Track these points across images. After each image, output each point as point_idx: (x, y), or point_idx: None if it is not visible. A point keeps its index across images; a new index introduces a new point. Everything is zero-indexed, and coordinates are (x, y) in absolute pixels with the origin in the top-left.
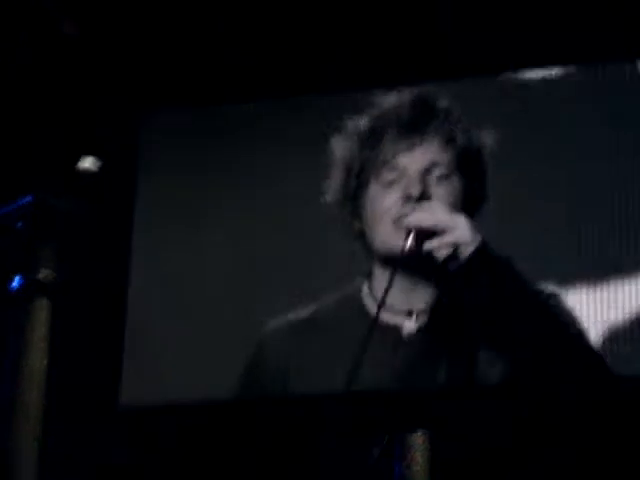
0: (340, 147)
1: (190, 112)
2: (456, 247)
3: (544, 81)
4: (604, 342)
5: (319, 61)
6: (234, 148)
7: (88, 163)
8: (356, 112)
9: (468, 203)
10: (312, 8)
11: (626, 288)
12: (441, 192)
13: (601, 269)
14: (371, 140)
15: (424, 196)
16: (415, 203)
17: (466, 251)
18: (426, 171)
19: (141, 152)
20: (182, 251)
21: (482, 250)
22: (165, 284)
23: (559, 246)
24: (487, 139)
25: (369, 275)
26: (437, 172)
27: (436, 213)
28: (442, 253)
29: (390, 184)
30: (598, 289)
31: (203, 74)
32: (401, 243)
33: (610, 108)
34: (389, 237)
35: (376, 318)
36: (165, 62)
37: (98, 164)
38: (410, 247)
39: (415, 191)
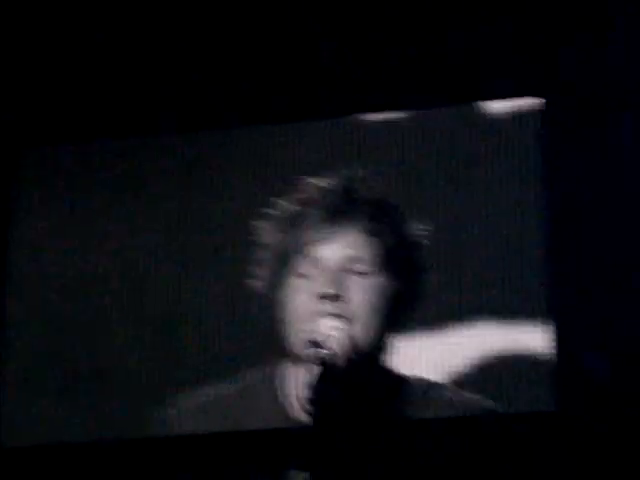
0: (266, 235)
1: (68, 149)
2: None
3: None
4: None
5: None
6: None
7: None
8: (282, 194)
9: (390, 299)
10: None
11: (465, 334)
12: (357, 290)
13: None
14: (294, 227)
15: (338, 298)
16: (329, 302)
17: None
18: (344, 267)
19: (16, 189)
20: (61, 297)
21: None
22: (44, 325)
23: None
24: (420, 235)
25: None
26: (356, 268)
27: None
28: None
29: (307, 277)
30: (438, 336)
31: (82, 111)
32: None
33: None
34: (303, 347)
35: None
36: (43, 99)
37: None
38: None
39: (330, 290)
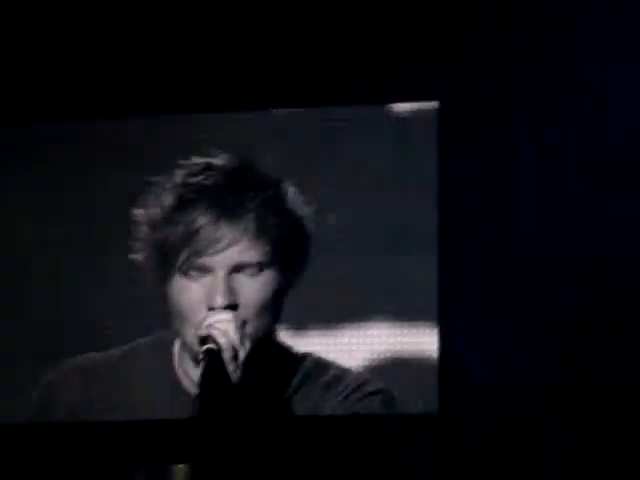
0: (145, 219)
1: None
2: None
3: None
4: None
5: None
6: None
7: None
8: (160, 172)
9: (281, 292)
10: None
11: (360, 333)
12: (247, 291)
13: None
14: (178, 223)
15: (228, 307)
16: (217, 311)
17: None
18: (233, 271)
19: None
20: None
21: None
22: None
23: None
24: (306, 211)
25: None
26: (246, 271)
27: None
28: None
29: (195, 280)
30: (332, 335)
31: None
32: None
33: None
34: (192, 341)
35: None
36: None
37: None
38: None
39: (219, 301)
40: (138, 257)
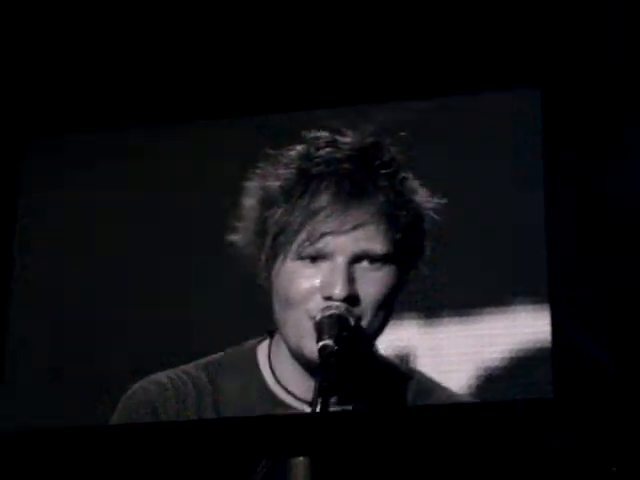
0: (259, 193)
1: (75, 136)
2: None
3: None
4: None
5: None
6: (130, 173)
7: None
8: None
9: (397, 288)
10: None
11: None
12: (369, 286)
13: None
14: (297, 199)
15: (348, 299)
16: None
17: None
18: (355, 260)
19: (22, 176)
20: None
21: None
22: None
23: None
24: (429, 208)
25: (270, 338)
26: (367, 261)
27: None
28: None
29: (310, 266)
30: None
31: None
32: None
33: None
34: (301, 336)
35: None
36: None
37: None
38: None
39: (338, 292)
40: (239, 239)
